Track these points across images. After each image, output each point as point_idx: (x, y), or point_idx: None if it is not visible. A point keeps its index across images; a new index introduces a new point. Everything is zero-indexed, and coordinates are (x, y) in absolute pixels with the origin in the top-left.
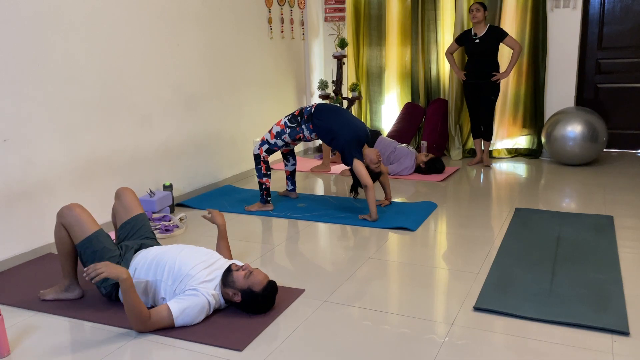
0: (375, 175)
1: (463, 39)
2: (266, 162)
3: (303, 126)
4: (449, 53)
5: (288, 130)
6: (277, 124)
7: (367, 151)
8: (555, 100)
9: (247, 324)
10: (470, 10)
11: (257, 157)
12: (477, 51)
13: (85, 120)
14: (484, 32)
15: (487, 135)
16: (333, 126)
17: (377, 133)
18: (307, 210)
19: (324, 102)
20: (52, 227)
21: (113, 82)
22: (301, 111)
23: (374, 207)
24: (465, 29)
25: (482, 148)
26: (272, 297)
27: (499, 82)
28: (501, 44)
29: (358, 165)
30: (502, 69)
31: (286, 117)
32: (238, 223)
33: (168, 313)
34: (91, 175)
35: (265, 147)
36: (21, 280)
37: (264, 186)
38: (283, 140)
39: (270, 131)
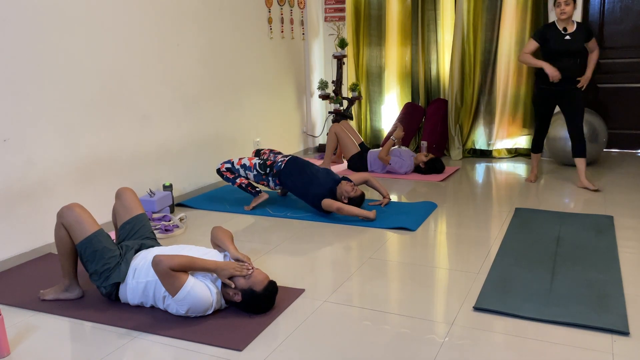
0: (359, 198)
1: (546, 34)
2: (227, 169)
3: (270, 178)
4: (528, 54)
5: (254, 173)
6: (249, 159)
7: (339, 187)
8: None
9: (247, 324)
10: (557, 4)
11: (218, 171)
12: (567, 49)
13: (85, 120)
14: (575, 28)
15: (582, 151)
16: (300, 188)
17: (366, 148)
18: (307, 210)
19: (297, 157)
20: (52, 227)
21: (113, 82)
22: (273, 163)
23: (362, 212)
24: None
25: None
26: (273, 297)
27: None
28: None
29: (326, 203)
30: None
31: (258, 159)
32: (238, 223)
33: (182, 281)
34: (91, 175)
35: (229, 166)
36: (21, 280)
37: (243, 185)
38: (246, 175)
39: (239, 158)
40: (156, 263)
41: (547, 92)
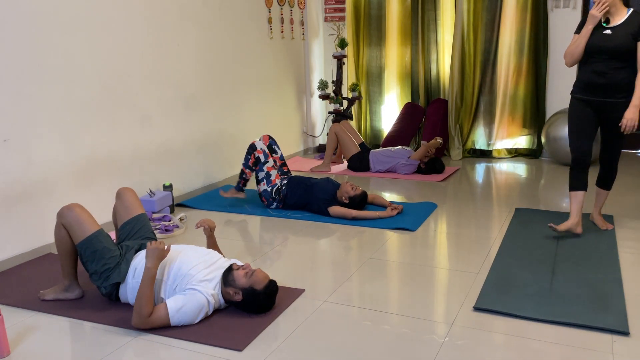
0: (359, 197)
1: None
2: (257, 158)
3: (275, 203)
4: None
5: (267, 188)
6: (277, 176)
7: (340, 189)
8: (556, 100)
9: (247, 324)
10: None
11: (252, 146)
12: (601, 48)
13: (85, 120)
14: (624, 19)
15: (608, 183)
16: (304, 197)
17: (366, 148)
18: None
19: (296, 175)
20: (52, 227)
21: (113, 82)
22: (281, 187)
23: (375, 214)
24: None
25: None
26: (273, 297)
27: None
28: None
29: (333, 210)
30: None
31: (279, 183)
32: (238, 223)
33: (165, 312)
34: (91, 175)
35: (261, 158)
36: (21, 280)
37: (244, 175)
38: (260, 180)
39: (272, 166)
40: (137, 327)
41: (582, 103)
